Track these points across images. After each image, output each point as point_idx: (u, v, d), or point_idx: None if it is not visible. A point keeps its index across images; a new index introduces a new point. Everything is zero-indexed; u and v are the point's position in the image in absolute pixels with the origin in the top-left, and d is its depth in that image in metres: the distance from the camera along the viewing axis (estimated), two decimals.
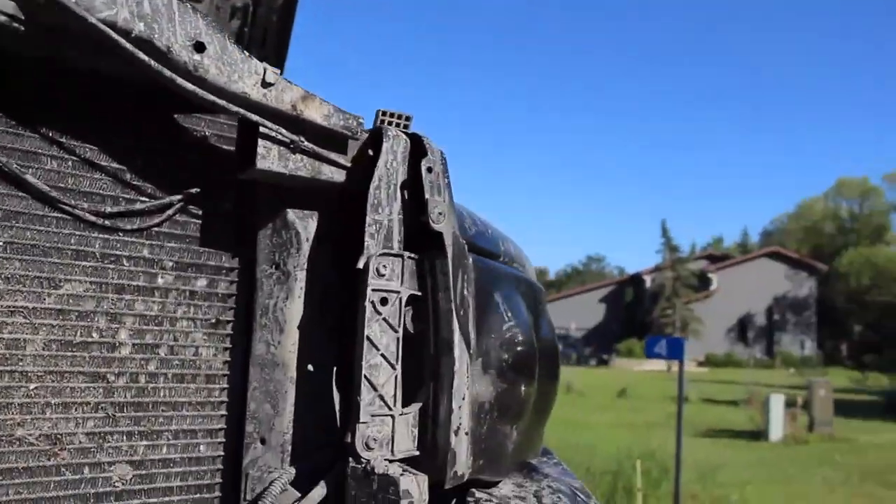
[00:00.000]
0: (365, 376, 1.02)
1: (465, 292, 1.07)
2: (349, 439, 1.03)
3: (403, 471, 1.00)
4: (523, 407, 1.23)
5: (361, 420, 1.01)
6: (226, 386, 1.17)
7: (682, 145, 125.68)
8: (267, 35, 2.27)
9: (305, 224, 1.16)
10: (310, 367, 1.15)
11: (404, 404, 1.07)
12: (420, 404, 1.07)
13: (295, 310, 1.15)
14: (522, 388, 1.21)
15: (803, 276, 53.67)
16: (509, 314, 1.19)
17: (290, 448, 1.13)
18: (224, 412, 1.17)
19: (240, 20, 2.20)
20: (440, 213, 1.05)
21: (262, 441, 1.14)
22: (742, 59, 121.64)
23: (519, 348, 1.19)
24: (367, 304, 1.03)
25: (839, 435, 15.18)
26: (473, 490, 1.17)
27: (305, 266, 1.15)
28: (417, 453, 1.07)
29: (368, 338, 1.03)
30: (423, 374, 1.09)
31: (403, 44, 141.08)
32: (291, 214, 1.16)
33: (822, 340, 54.07)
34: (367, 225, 1.07)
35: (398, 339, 1.05)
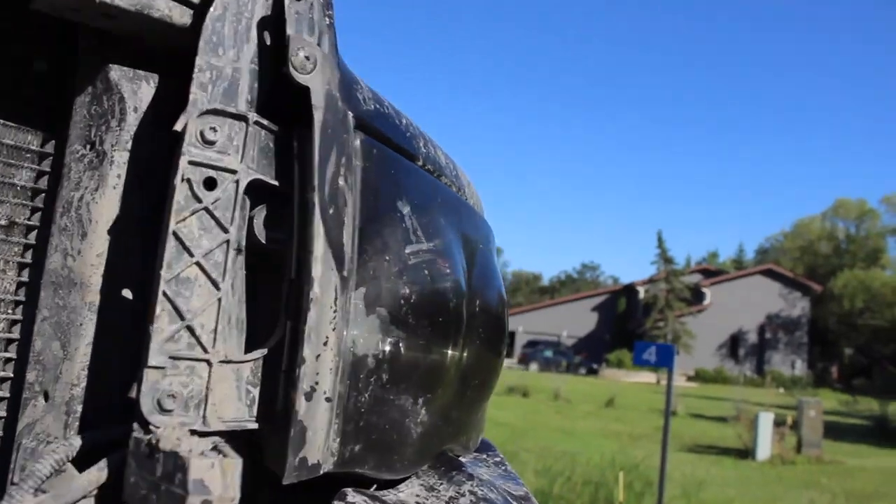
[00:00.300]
0: (164, 294, 0.64)
1: (342, 183, 0.69)
2: (134, 394, 0.66)
3: (205, 451, 0.62)
4: (438, 373, 0.85)
5: (152, 363, 0.63)
6: (16, 316, 0.81)
7: (681, 157, 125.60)
8: None
9: (135, 88, 0.78)
10: (123, 291, 0.76)
11: (241, 350, 0.69)
12: (264, 351, 0.69)
13: (106, 206, 0.76)
14: (437, 345, 0.83)
15: (797, 295, 53.41)
16: (419, 234, 0.80)
17: (79, 408, 0.75)
18: (6, 354, 0.80)
19: None
20: (307, 59, 0.67)
21: (45, 396, 0.76)
22: (746, 72, 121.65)
23: (432, 286, 0.81)
24: (180, 184, 0.65)
25: (828, 457, 14.80)
26: (346, 490, 0.79)
27: (128, 145, 0.77)
28: (256, 426, 0.69)
29: (176, 235, 0.65)
30: (279, 306, 0.71)
31: (390, 36, 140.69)
32: (116, 73, 0.79)
33: (813, 361, 53.82)
34: (196, 70, 0.69)
35: (227, 243, 0.67)
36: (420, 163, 0.88)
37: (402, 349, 0.77)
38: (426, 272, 0.80)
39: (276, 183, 0.71)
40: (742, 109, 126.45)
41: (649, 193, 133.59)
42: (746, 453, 14.51)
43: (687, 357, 46.69)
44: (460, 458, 1.03)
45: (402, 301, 0.76)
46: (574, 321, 57.15)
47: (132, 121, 0.78)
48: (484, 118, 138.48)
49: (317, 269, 0.66)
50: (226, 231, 0.67)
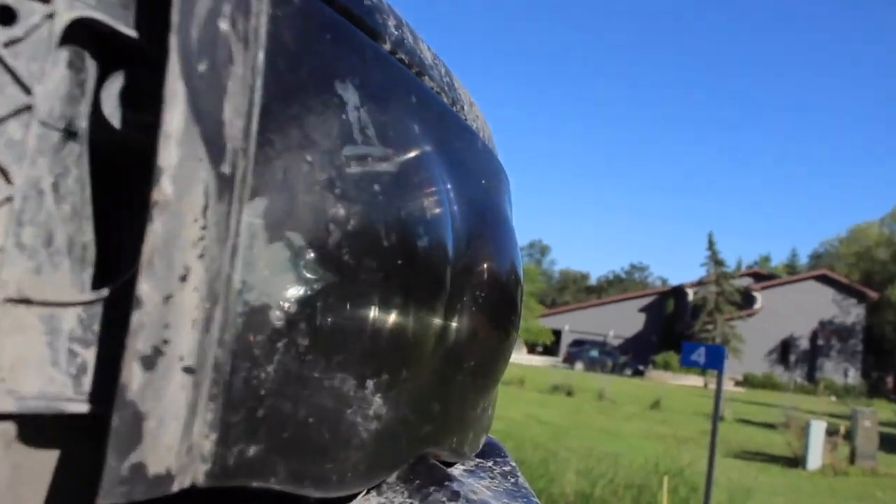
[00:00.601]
0: None
1: (224, 28, 0.41)
2: None
3: None
4: (404, 346, 0.58)
5: None
6: None
7: (735, 158, 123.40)
8: None
9: None
10: None
11: (80, 288, 0.44)
12: (105, 291, 0.43)
13: None
14: (400, 304, 0.56)
15: (852, 302, 51.99)
16: (368, 134, 0.53)
17: None
18: None
19: None
20: None
21: None
22: (804, 72, 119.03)
23: (388, 209, 0.54)
24: None
25: (882, 470, 14.18)
26: None
27: None
28: (87, 409, 0.42)
29: None
30: (137, 223, 0.45)
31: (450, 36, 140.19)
32: None
33: (867, 370, 52.38)
34: None
35: (29, 111, 0.40)
36: (387, 46, 0.61)
37: (334, 301, 0.50)
38: (378, 189, 0.53)
39: (133, 34, 0.44)
40: (800, 110, 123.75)
41: (701, 194, 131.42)
42: (796, 462, 13.98)
43: (735, 361, 45.70)
44: (450, 468, 0.76)
45: (334, 226, 0.49)
46: (621, 322, 56.44)
47: None
48: (534, 115, 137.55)
49: (169, 155, 0.39)
50: (28, 92, 0.41)
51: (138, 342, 0.39)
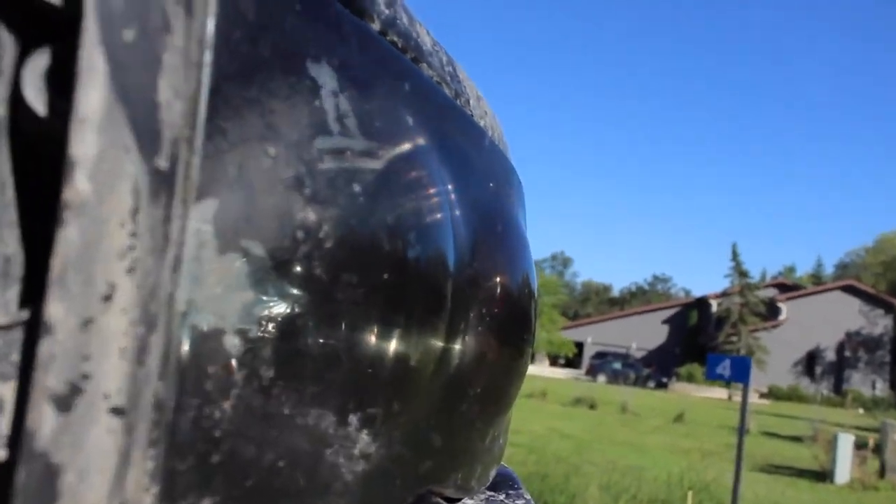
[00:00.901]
0: None
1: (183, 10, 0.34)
2: None
3: None
4: (396, 373, 0.50)
5: None
6: None
7: (759, 167, 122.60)
8: None
9: None
10: None
11: None
12: (26, 314, 0.35)
13: None
14: (391, 326, 0.48)
15: (879, 312, 51.29)
16: (347, 124, 0.44)
17: None
18: None
19: None
20: None
21: None
22: (828, 79, 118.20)
23: (371, 213, 0.45)
24: None
25: None
26: None
27: None
28: (2, 455, 0.35)
29: None
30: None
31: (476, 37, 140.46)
32: None
33: None
34: None
35: None
36: (376, 26, 0.53)
37: (304, 323, 0.41)
38: (358, 189, 0.45)
39: (58, 2, 0.37)
40: (824, 119, 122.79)
41: (724, 205, 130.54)
42: (824, 476, 13.71)
43: (760, 373, 45.21)
44: None
45: (302, 234, 0.41)
46: (644, 334, 56.04)
47: None
48: (555, 125, 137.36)
49: (85, 145, 0.32)
50: None
51: (49, 378, 0.31)
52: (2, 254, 0.38)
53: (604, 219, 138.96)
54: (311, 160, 0.42)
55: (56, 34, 0.38)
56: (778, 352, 48.66)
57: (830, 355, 51.58)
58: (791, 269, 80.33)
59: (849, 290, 52.17)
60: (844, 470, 13.60)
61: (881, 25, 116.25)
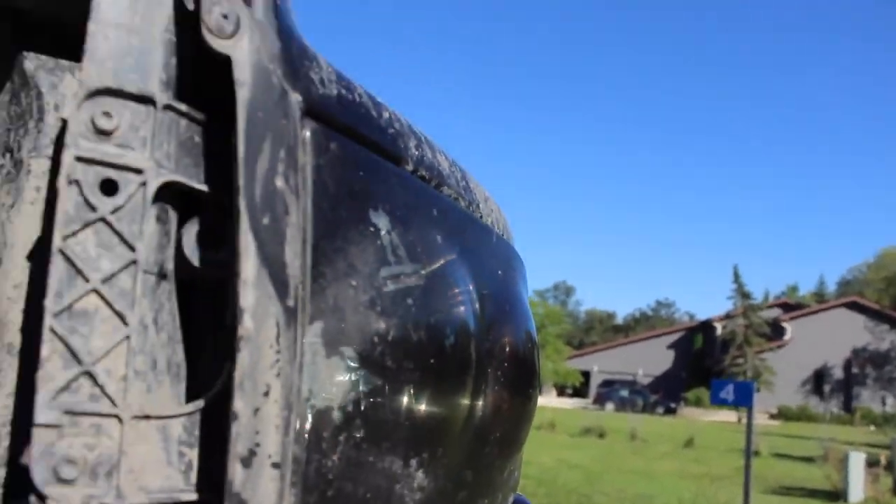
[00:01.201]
0: (53, 331, 0.49)
1: (280, 185, 0.53)
2: (25, 459, 0.51)
3: None
4: (439, 427, 0.68)
5: (42, 420, 0.49)
6: None
7: (756, 187, 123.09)
8: None
9: (55, 81, 0.65)
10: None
11: (178, 400, 0.54)
12: (201, 403, 0.54)
13: (24, 225, 0.63)
14: (435, 393, 0.67)
15: (884, 328, 51.29)
16: (400, 254, 0.64)
17: (1, 472, 0.60)
18: None
19: None
20: (225, 18, 0.52)
21: None
22: (823, 98, 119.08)
23: (421, 318, 0.65)
24: (67, 188, 0.50)
25: None
26: None
27: (48, 150, 0.64)
28: (196, 497, 0.53)
29: (65, 255, 0.50)
30: (215, 347, 0.57)
31: (445, 70, 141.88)
32: (33, 64, 0.66)
33: None
34: (88, 37, 0.54)
35: (135, 264, 0.52)
36: (409, 167, 0.72)
37: (381, 399, 0.60)
38: (410, 302, 0.63)
39: (203, 188, 0.56)
40: (819, 136, 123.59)
41: (724, 227, 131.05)
42: (837, 496, 13.75)
43: (768, 394, 45.19)
44: None
45: (377, 338, 0.60)
46: (650, 360, 56.00)
47: (52, 121, 0.64)
48: (553, 149, 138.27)
49: (247, 297, 0.50)
50: (132, 249, 0.52)
51: (238, 447, 0.50)
52: (175, 362, 0.57)
53: (604, 245, 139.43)
54: (379, 286, 0.60)
55: (201, 208, 0.57)
56: (785, 372, 48.65)
57: (838, 373, 51.55)
58: (794, 289, 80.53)
59: (853, 306, 52.30)
60: (858, 489, 13.63)
61: (882, 34, 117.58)
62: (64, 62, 0.66)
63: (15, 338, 0.62)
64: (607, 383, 50.59)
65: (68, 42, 0.66)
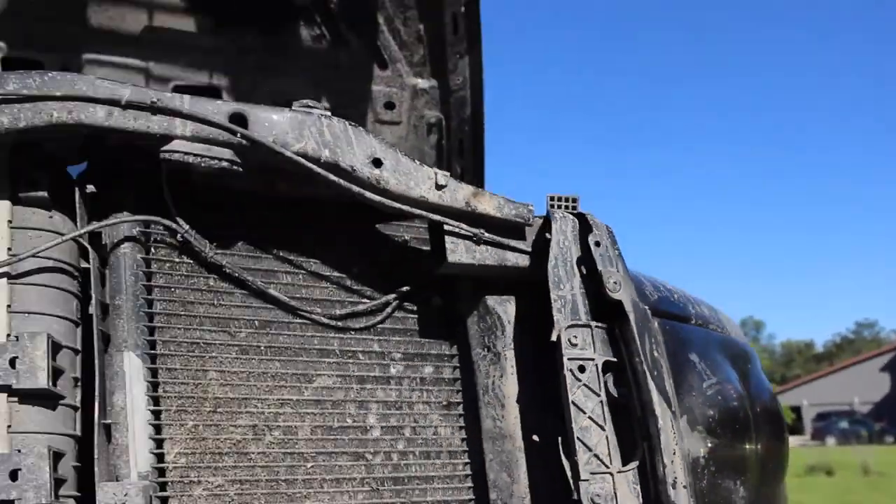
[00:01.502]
0: (578, 438, 1.11)
1: (655, 354, 1.13)
2: (576, 497, 1.12)
3: None
4: (744, 462, 1.24)
5: (582, 478, 1.10)
6: (467, 460, 1.34)
7: None
8: (463, 143, 2.44)
9: (505, 308, 1.30)
10: (534, 437, 1.26)
11: (622, 463, 1.14)
12: (637, 462, 1.13)
13: (510, 386, 1.27)
14: (738, 443, 1.23)
15: None
16: (707, 372, 1.22)
17: None
18: (470, 484, 1.32)
19: (436, 134, 2.42)
20: (615, 283, 1.14)
21: None
22: None
23: (725, 404, 1.22)
24: (567, 373, 1.13)
25: None
26: None
27: (511, 346, 1.28)
28: None
29: (574, 403, 1.12)
30: (635, 434, 1.16)
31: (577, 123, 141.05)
32: (491, 301, 1.30)
33: None
34: (552, 301, 1.17)
35: (602, 402, 1.13)
36: (693, 321, 1.31)
37: (717, 449, 1.17)
38: (719, 397, 1.20)
39: (615, 359, 1.16)
40: None
41: None
42: None
43: None
44: None
45: (710, 419, 1.17)
46: (863, 386, 52.42)
47: (509, 330, 1.27)
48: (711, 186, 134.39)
49: (657, 410, 1.09)
50: (597, 395, 1.12)
51: (668, 479, 1.09)
52: (615, 445, 1.16)
53: (785, 273, 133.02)
54: (704, 391, 1.18)
55: (617, 367, 1.17)
56: None
57: None
58: None
59: None
60: None
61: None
62: (505, 297, 1.30)
63: (521, 443, 1.26)
64: (822, 416, 47.75)
65: (507, 285, 1.29)
